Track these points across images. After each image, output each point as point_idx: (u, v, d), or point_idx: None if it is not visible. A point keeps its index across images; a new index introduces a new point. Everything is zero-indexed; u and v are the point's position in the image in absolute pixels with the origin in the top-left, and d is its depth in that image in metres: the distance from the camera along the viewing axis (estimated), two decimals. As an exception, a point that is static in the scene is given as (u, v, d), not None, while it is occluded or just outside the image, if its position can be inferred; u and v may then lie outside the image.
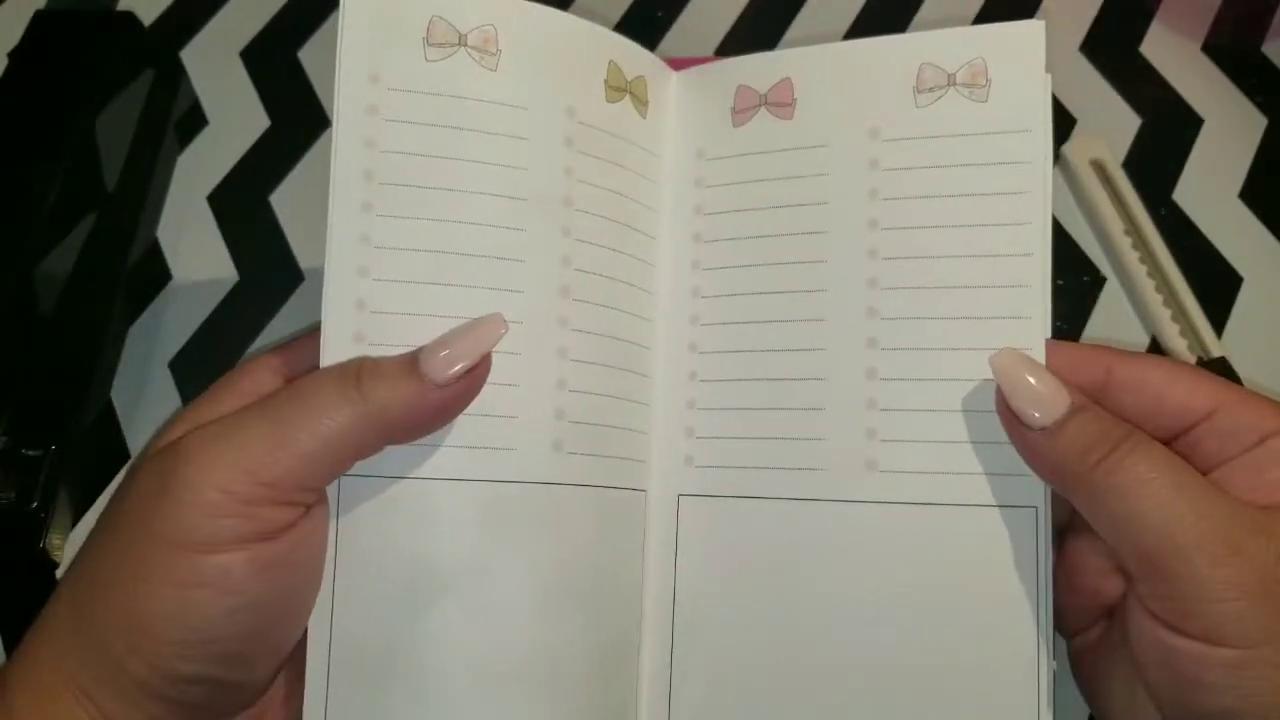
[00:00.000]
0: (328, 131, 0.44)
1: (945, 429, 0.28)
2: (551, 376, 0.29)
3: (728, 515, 0.30)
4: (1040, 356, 0.28)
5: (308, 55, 0.46)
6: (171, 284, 0.41)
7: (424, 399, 0.26)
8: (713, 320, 0.31)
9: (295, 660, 0.28)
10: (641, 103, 0.31)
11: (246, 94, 0.45)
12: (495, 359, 0.27)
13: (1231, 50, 0.44)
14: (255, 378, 0.28)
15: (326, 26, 0.46)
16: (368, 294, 0.27)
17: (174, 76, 0.44)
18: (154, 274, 0.41)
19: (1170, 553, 0.24)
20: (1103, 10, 0.46)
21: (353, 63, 0.29)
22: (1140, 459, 0.24)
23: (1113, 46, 0.45)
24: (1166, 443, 0.26)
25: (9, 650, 0.35)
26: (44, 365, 0.36)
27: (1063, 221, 0.41)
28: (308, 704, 0.27)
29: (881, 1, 0.46)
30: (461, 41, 0.29)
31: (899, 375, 0.29)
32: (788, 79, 0.31)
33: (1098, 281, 0.40)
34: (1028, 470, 0.27)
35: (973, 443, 0.28)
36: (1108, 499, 0.25)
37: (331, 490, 0.27)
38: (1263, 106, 0.43)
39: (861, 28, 0.45)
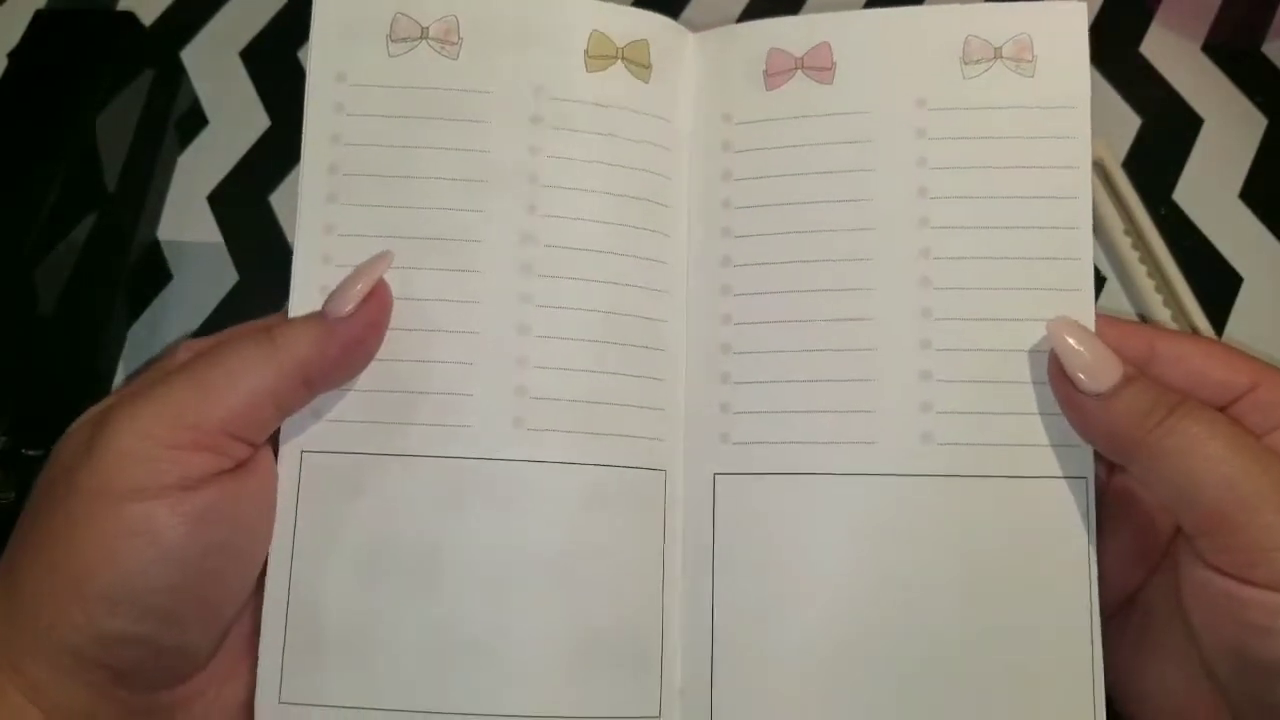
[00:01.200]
0: (328, 131, 0.44)
1: (999, 400, 0.28)
2: (511, 354, 0.29)
3: (769, 492, 0.29)
4: (1090, 327, 0.28)
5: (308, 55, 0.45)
6: (172, 284, 0.41)
7: (330, 335, 0.27)
8: (748, 290, 0.30)
9: (244, 636, 0.28)
10: (641, 66, 0.31)
11: (246, 94, 0.45)
12: (451, 338, 0.28)
13: (1231, 50, 0.44)
14: (178, 358, 0.29)
15: (327, 26, 0.46)
16: (331, 279, 0.29)
17: (174, 76, 0.44)
18: (154, 274, 0.41)
19: (1236, 505, 0.24)
20: (1103, 10, 0.46)
21: (321, 63, 0.30)
22: (1196, 420, 0.25)
23: (1113, 46, 0.45)
24: None
25: (9, 650, 0.35)
26: (44, 365, 0.36)
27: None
28: (261, 674, 0.27)
29: (879, 3, 0.46)
30: (423, 34, 0.30)
31: (953, 346, 0.29)
32: (825, 43, 0.30)
33: (1098, 281, 0.40)
34: (1078, 441, 0.28)
35: (1026, 414, 0.28)
36: (1168, 460, 0.25)
37: (293, 464, 0.28)
38: (1263, 106, 0.43)
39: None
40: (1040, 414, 0.28)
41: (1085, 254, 0.29)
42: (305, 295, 0.29)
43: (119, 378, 0.39)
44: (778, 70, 0.31)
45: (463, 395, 0.29)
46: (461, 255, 0.29)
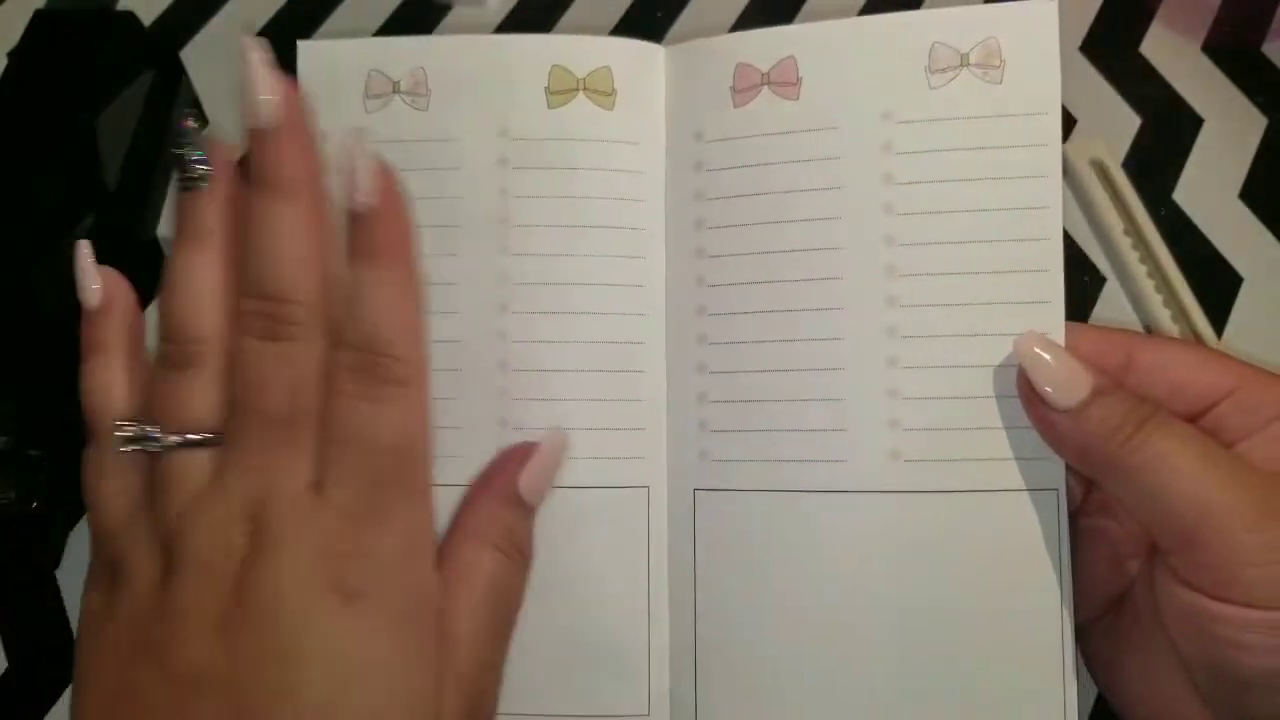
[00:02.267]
0: (328, 131, 0.44)
1: (967, 416, 0.28)
2: (493, 387, 0.30)
3: (746, 509, 0.30)
4: (1060, 340, 0.28)
5: (308, 55, 0.46)
6: (172, 284, 0.41)
7: None
8: (721, 310, 0.30)
9: None
10: (604, 95, 0.31)
11: (247, 94, 0.45)
12: (437, 376, 0.28)
13: (1232, 50, 0.44)
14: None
15: (327, 26, 0.46)
16: None
17: (174, 76, 0.44)
18: (154, 273, 0.41)
19: (1204, 521, 0.24)
20: (1103, 10, 0.46)
21: None
22: (1167, 434, 0.25)
23: (1113, 46, 0.45)
24: (1190, 420, 0.26)
25: (8, 651, 0.35)
26: (45, 365, 0.36)
27: (1063, 221, 0.41)
28: None
29: (880, 3, 0.46)
30: (395, 89, 0.31)
31: (921, 363, 0.29)
32: (791, 57, 0.30)
33: (1097, 281, 0.40)
34: (1048, 454, 0.27)
35: (994, 429, 0.28)
36: (1138, 475, 0.25)
37: None
38: (1263, 106, 0.43)
39: (862, 27, 0.45)
40: (1009, 428, 0.28)
41: (1055, 265, 0.28)
42: None
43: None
44: (745, 86, 0.30)
45: (450, 429, 0.30)
46: (438, 298, 0.30)
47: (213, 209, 0.27)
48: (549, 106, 0.31)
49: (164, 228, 0.42)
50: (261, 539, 0.24)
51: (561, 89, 0.31)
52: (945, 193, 0.29)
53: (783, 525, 0.29)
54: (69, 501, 0.36)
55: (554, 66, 0.31)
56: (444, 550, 0.27)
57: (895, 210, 0.29)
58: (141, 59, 0.42)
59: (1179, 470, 0.25)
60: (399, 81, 0.31)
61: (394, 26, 0.46)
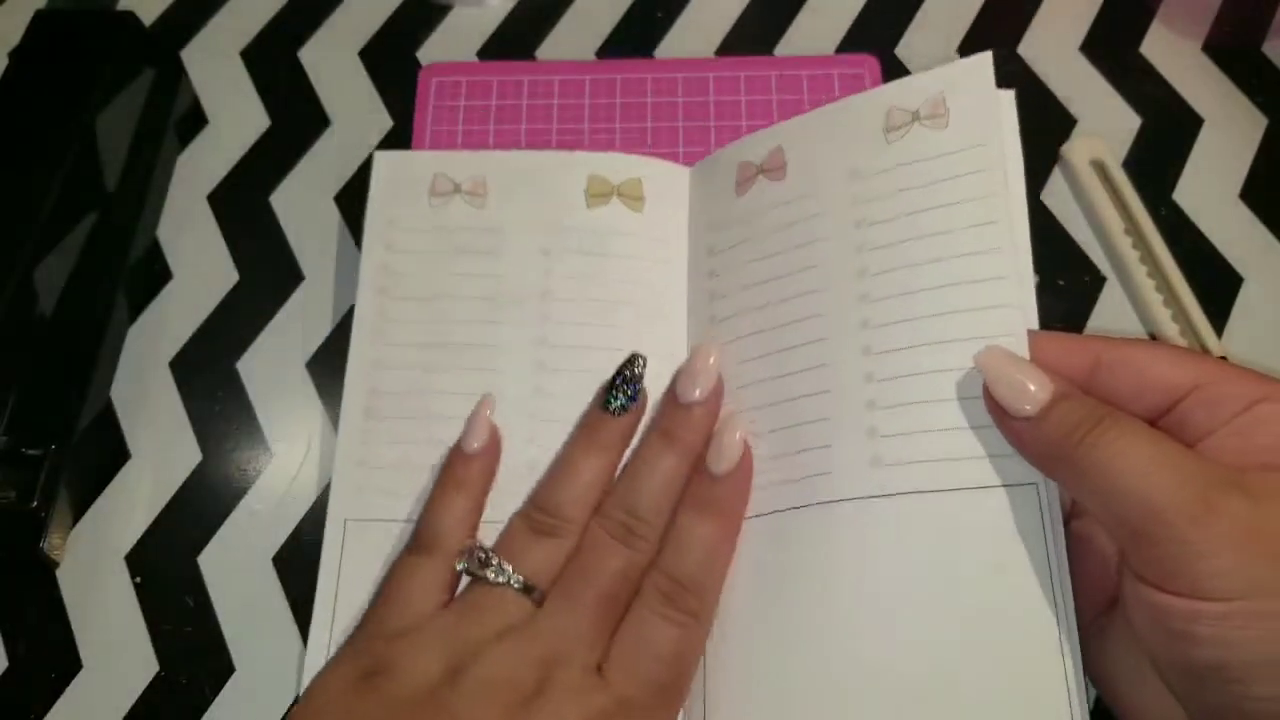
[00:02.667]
0: (328, 131, 0.44)
1: (942, 419, 0.30)
2: (522, 435, 0.35)
3: (749, 536, 0.32)
4: (1022, 342, 0.29)
5: (308, 55, 0.46)
6: (172, 284, 0.41)
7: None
8: (731, 364, 0.34)
9: None
10: (635, 199, 0.37)
11: (247, 94, 0.45)
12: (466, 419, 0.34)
13: (1232, 50, 0.44)
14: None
15: (326, 26, 0.46)
16: (378, 381, 0.36)
17: (174, 76, 0.44)
18: (154, 273, 0.41)
19: (1152, 516, 0.25)
20: (1103, 10, 0.46)
21: (376, 210, 0.38)
22: (1118, 434, 0.26)
23: (1113, 46, 0.45)
24: (1158, 417, 0.27)
25: (9, 650, 0.35)
26: (44, 364, 0.36)
27: (1063, 221, 0.41)
28: None
29: (881, 3, 0.46)
30: (457, 189, 0.38)
31: (894, 375, 0.31)
32: (779, 147, 0.36)
33: (1098, 281, 0.40)
34: None
35: (969, 429, 0.29)
36: (1091, 475, 0.26)
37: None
38: (1263, 106, 0.43)
39: (861, 27, 0.45)
40: (985, 427, 0.29)
41: (1010, 272, 0.30)
42: (357, 396, 0.36)
43: (117, 378, 0.39)
44: (744, 179, 0.36)
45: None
46: (484, 358, 0.36)
47: (620, 432, 0.33)
48: (588, 206, 0.37)
49: (163, 228, 0.42)
50: (547, 687, 0.28)
51: (599, 192, 0.37)
52: (906, 225, 0.32)
53: (778, 542, 0.31)
54: (69, 501, 0.36)
55: (593, 175, 0.38)
56: None
57: (866, 248, 0.33)
58: (142, 59, 0.42)
59: (1129, 468, 0.25)
60: (460, 184, 0.38)
61: (394, 27, 0.46)
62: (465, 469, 0.33)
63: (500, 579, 0.30)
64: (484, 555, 0.31)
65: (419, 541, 0.32)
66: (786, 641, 0.30)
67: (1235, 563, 0.24)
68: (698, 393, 0.32)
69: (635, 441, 0.34)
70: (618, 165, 0.38)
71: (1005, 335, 0.29)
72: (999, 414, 0.28)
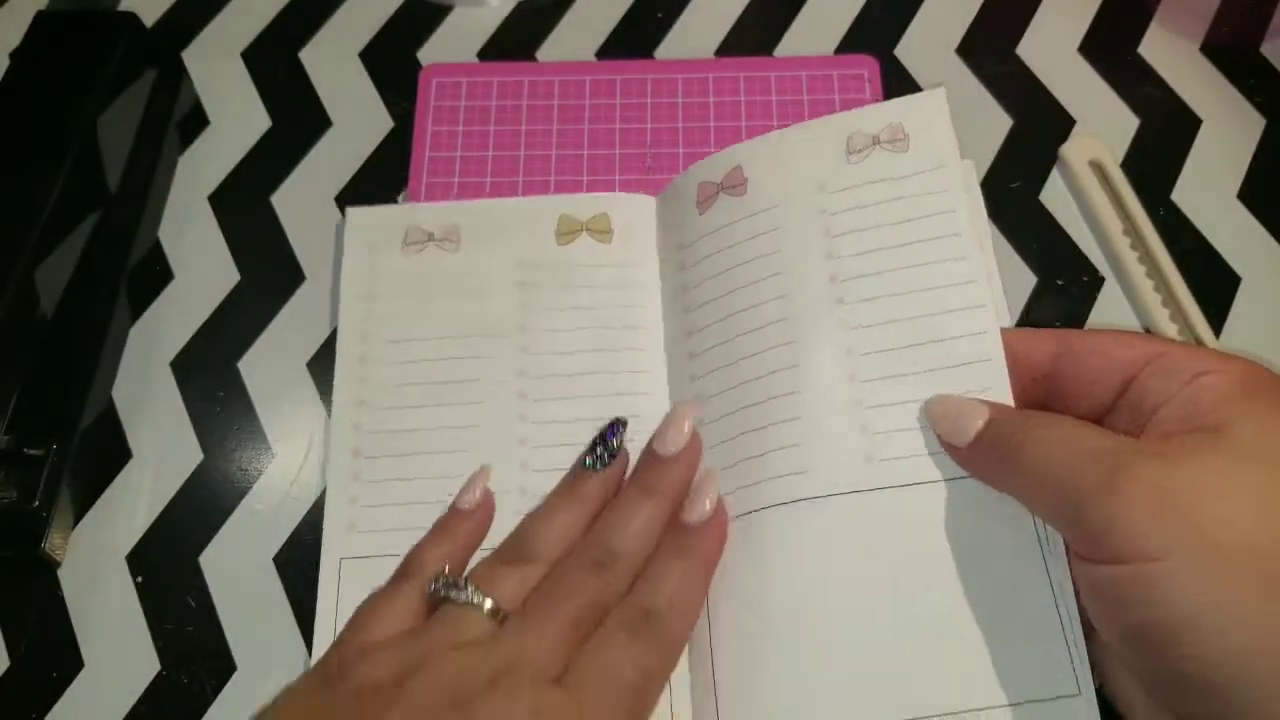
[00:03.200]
0: (328, 132, 0.44)
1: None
2: (514, 460, 0.36)
3: (743, 533, 0.33)
4: (995, 337, 0.32)
5: (308, 56, 0.46)
6: (173, 284, 0.41)
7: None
8: (706, 372, 0.35)
9: None
10: (602, 233, 0.39)
11: (247, 94, 0.45)
12: (458, 458, 0.36)
13: (1230, 51, 0.44)
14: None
15: (327, 27, 0.46)
16: (363, 421, 0.36)
17: (175, 77, 0.44)
18: (155, 274, 0.41)
19: (1067, 495, 0.27)
20: (1101, 11, 0.46)
21: (351, 262, 0.39)
22: (1029, 432, 0.29)
23: (1111, 47, 0.45)
24: (1119, 395, 0.29)
25: (10, 649, 0.35)
26: (46, 364, 0.36)
27: (1061, 222, 0.41)
28: None
29: (880, 3, 0.46)
30: (430, 238, 0.39)
31: (877, 376, 0.33)
32: (738, 166, 0.37)
33: (1096, 281, 0.40)
34: None
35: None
36: (1020, 473, 0.29)
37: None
38: (1261, 107, 0.43)
39: (860, 28, 0.46)
40: None
41: (980, 278, 0.33)
42: (343, 436, 0.36)
43: (118, 378, 0.39)
44: (705, 197, 0.37)
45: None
46: (467, 391, 0.37)
47: (600, 486, 0.34)
48: (558, 244, 0.39)
49: (165, 228, 0.42)
50: (494, 685, 0.28)
51: (568, 230, 0.39)
52: (872, 237, 0.34)
53: (773, 538, 0.32)
54: (70, 501, 0.36)
55: (562, 215, 0.39)
56: None
57: (835, 255, 0.34)
58: (143, 60, 0.42)
59: (1047, 455, 0.28)
60: (433, 233, 0.39)
61: (394, 27, 0.46)
62: (457, 521, 0.34)
63: (467, 599, 0.31)
64: (454, 579, 0.31)
65: (398, 572, 0.33)
66: (781, 627, 0.31)
67: (1147, 524, 0.25)
68: (675, 449, 0.34)
69: None
70: (584, 204, 0.40)
71: (979, 332, 0.32)
72: (947, 447, 0.31)
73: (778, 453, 0.33)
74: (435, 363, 0.37)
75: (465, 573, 0.33)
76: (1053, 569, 0.30)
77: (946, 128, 0.35)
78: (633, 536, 0.32)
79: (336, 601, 0.34)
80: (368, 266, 0.39)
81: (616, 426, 0.35)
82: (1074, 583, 0.29)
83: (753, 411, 0.34)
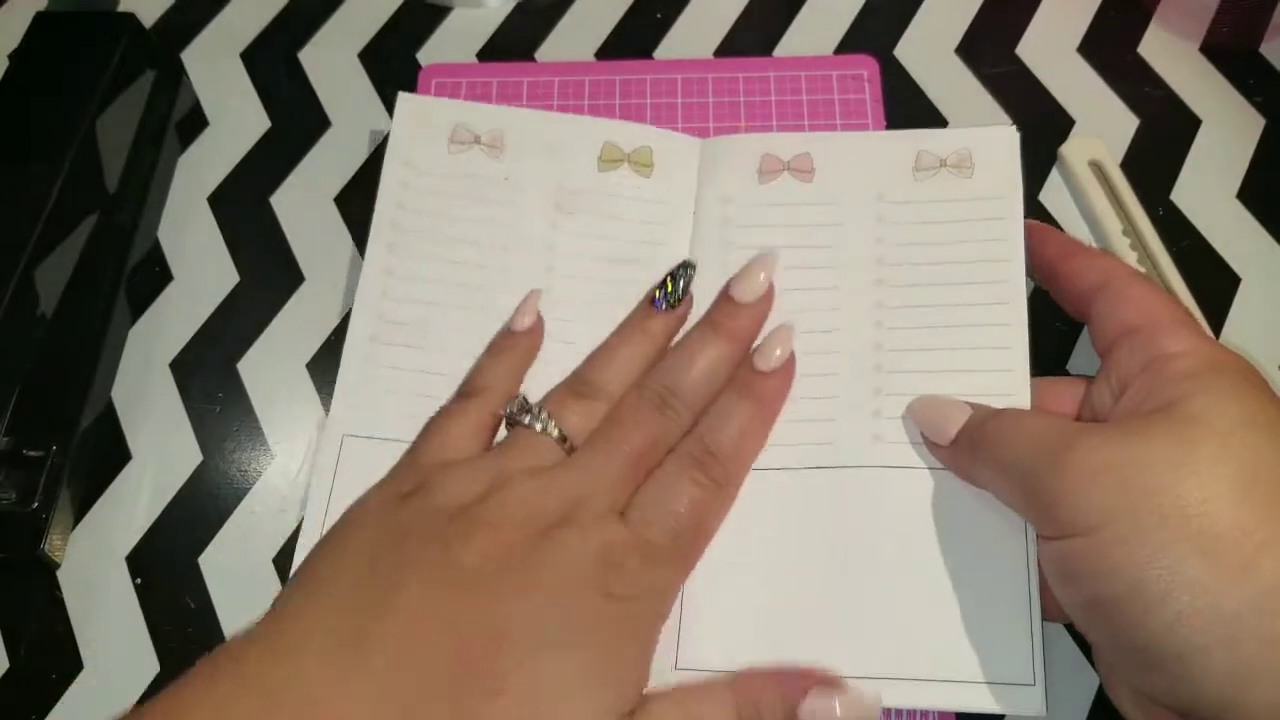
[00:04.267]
0: (328, 133, 0.44)
1: None
2: (528, 377, 0.36)
3: (751, 479, 0.34)
4: (1023, 352, 0.34)
5: (308, 56, 0.46)
6: (172, 284, 0.41)
7: None
8: None
9: None
10: (644, 166, 0.39)
11: (247, 95, 0.45)
12: (469, 364, 0.36)
13: (1230, 51, 0.44)
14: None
15: (327, 28, 0.46)
16: (385, 310, 0.37)
17: (175, 77, 0.44)
18: (155, 274, 0.41)
19: (1024, 478, 0.28)
20: (1101, 11, 0.46)
21: (395, 150, 0.40)
22: (993, 424, 0.30)
23: (1111, 47, 0.45)
24: (1105, 353, 0.31)
25: (9, 650, 0.35)
26: (45, 365, 0.36)
27: (1061, 222, 0.41)
28: None
29: (879, 3, 0.46)
30: (476, 140, 0.40)
31: (897, 369, 0.35)
32: (808, 153, 0.39)
33: (1096, 281, 0.40)
34: None
35: None
36: (984, 469, 0.30)
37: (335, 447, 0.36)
38: (1261, 107, 0.43)
39: (860, 28, 0.46)
40: None
41: (1015, 298, 0.35)
42: (364, 322, 0.37)
43: (118, 379, 0.39)
44: (769, 170, 0.39)
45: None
46: (486, 299, 0.37)
47: (663, 325, 0.35)
48: (598, 170, 0.39)
49: (164, 229, 0.42)
50: (569, 517, 0.29)
51: (610, 158, 0.40)
52: (923, 250, 0.36)
53: (781, 497, 0.34)
54: (70, 502, 0.36)
55: (606, 142, 0.40)
56: (699, 689, 0.30)
57: (884, 262, 0.37)
58: (142, 60, 0.42)
59: (1005, 441, 0.29)
60: (480, 136, 0.40)
61: (394, 28, 0.46)
62: (513, 339, 0.35)
63: (538, 426, 0.32)
64: (526, 403, 0.33)
65: (463, 390, 0.35)
66: (762, 565, 0.33)
67: (1088, 495, 0.26)
68: (751, 297, 0.34)
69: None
70: (631, 133, 0.40)
71: (1006, 347, 0.34)
72: (930, 447, 0.33)
73: (807, 424, 0.34)
74: (461, 266, 0.38)
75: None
76: (1032, 562, 0.32)
77: (1013, 161, 0.37)
78: (698, 374, 0.33)
79: (334, 476, 0.35)
80: (409, 157, 0.39)
81: (686, 268, 0.36)
82: (1042, 566, 0.30)
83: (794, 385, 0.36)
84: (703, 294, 0.36)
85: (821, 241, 0.37)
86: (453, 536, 0.29)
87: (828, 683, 0.29)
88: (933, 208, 0.37)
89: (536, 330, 0.36)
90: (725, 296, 0.35)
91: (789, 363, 0.34)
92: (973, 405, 0.32)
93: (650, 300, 0.35)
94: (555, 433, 0.32)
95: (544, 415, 0.32)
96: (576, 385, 0.34)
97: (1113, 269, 0.32)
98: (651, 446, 0.31)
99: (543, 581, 0.28)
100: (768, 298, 0.35)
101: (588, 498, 0.30)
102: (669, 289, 0.35)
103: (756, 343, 0.35)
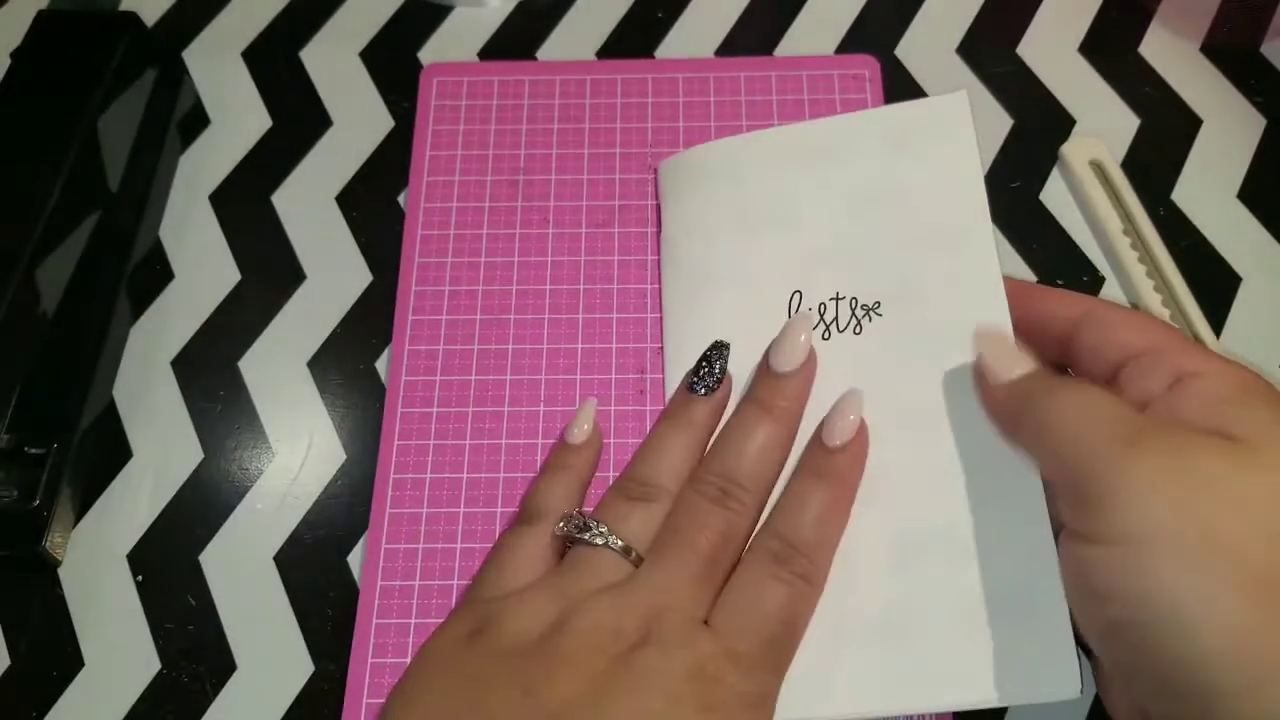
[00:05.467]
0: (329, 131, 0.44)
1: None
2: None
3: None
4: (1002, 303, 0.32)
5: (309, 55, 0.46)
6: (173, 283, 0.41)
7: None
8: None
9: None
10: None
11: (248, 94, 0.45)
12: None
13: (1230, 51, 0.44)
14: None
15: (328, 26, 0.46)
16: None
17: (176, 76, 0.44)
18: (156, 273, 0.41)
19: (1079, 455, 0.26)
20: (1102, 10, 0.46)
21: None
22: (1062, 392, 0.28)
23: (1112, 47, 0.45)
24: (1108, 379, 0.29)
25: (10, 648, 0.35)
26: (46, 364, 0.36)
27: (1061, 221, 0.41)
28: None
29: (880, 3, 0.46)
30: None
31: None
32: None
33: (1097, 281, 0.40)
34: None
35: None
36: (1038, 431, 0.28)
37: None
38: (1262, 107, 0.43)
39: (861, 28, 0.46)
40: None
41: (990, 249, 0.34)
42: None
43: (119, 378, 0.39)
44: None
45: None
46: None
47: (707, 411, 0.34)
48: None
49: (165, 228, 0.42)
50: (650, 634, 0.28)
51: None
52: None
53: None
54: (70, 500, 0.36)
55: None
56: None
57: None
58: (144, 59, 0.42)
59: (1065, 418, 0.27)
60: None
61: (394, 27, 0.46)
62: (570, 455, 0.34)
63: (599, 541, 0.30)
64: (583, 520, 0.31)
65: (522, 515, 0.33)
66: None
67: (1149, 497, 0.24)
68: (792, 366, 0.33)
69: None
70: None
71: (990, 292, 0.33)
72: (979, 379, 0.31)
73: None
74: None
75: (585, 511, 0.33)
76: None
77: (967, 126, 0.36)
78: (753, 460, 0.31)
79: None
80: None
81: (721, 349, 0.34)
82: (1061, 568, 0.28)
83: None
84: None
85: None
86: (534, 679, 0.27)
87: None
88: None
89: (592, 443, 0.35)
90: (767, 371, 0.33)
91: (861, 432, 0.32)
92: (1035, 361, 0.30)
93: (688, 387, 0.34)
94: (619, 545, 0.30)
95: (602, 529, 0.31)
96: (628, 488, 0.32)
97: (1090, 300, 0.31)
98: (723, 544, 0.30)
99: (637, 708, 0.27)
100: (811, 360, 0.33)
101: (666, 610, 0.28)
102: (704, 373, 0.34)
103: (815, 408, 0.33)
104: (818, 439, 0.32)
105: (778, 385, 0.33)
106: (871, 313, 0.34)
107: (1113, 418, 0.26)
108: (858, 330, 0.34)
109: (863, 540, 0.31)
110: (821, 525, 0.30)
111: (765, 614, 0.29)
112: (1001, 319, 0.32)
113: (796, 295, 0.36)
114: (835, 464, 0.31)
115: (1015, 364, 0.30)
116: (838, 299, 0.35)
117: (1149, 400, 0.28)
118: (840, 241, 0.36)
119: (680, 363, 0.36)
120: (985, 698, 0.29)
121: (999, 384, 0.30)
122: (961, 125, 0.36)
